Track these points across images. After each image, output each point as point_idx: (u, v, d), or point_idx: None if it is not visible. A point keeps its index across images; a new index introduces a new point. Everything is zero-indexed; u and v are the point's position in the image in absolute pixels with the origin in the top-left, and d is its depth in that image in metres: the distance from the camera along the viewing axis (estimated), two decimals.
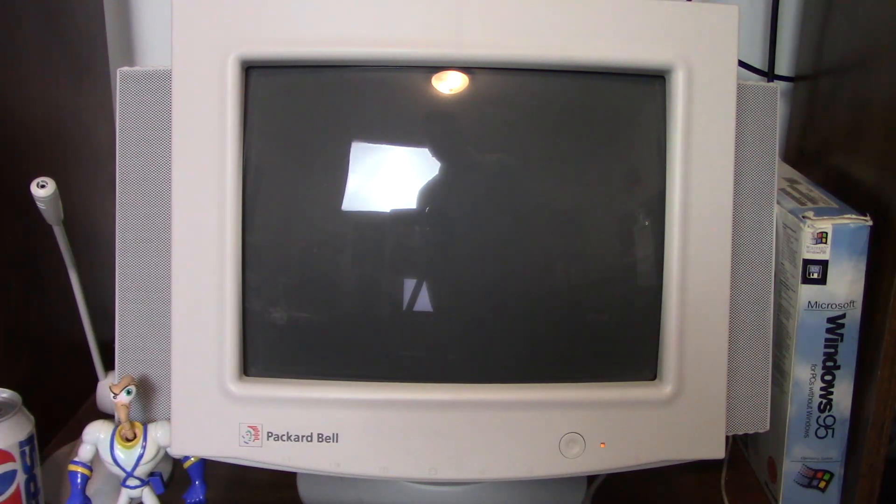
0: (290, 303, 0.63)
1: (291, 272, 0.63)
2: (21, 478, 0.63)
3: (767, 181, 0.64)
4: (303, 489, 0.74)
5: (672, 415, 0.63)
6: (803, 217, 0.66)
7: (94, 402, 0.80)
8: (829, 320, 0.67)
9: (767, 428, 0.67)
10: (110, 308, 0.67)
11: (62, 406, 0.84)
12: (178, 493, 0.68)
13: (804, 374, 0.68)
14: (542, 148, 0.63)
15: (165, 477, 0.74)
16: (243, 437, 0.62)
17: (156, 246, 0.62)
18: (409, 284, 0.63)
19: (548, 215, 0.63)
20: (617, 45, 0.60)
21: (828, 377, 0.68)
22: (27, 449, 0.63)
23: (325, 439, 0.62)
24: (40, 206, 0.65)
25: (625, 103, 0.63)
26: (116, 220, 0.63)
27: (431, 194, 0.62)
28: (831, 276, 0.66)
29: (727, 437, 0.65)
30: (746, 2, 0.94)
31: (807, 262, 0.66)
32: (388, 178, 0.62)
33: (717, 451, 0.64)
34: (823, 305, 0.67)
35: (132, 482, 0.64)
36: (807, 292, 0.67)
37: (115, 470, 0.64)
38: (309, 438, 0.62)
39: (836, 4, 0.79)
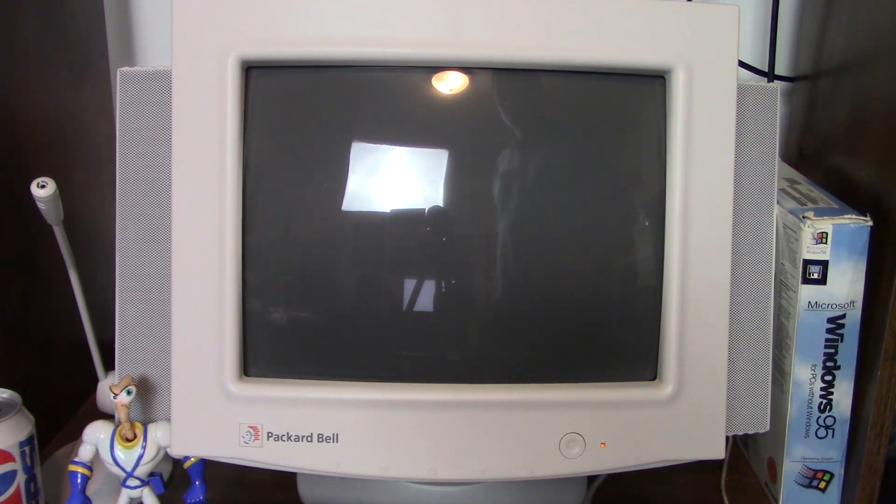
0: (290, 303, 0.63)
1: (291, 272, 0.63)
2: (21, 478, 0.63)
3: (767, 181, 0.64)
4: (303, 489, 0.74)
5: (672, 415, 0.63)
6: (803, 217, 0.66)
7: (94, 402, 0.80)
8: (829, 320, 0.67)
9: (767, 428, 0.67)
10: (110, 308, 0.67)
11: (62, 406, 0.84)
12: (178, 493, 0.68)
13: (804, 374, 0.68)
14: (542, 148, 0.63)
15: (165, 477, 0.74)
16: (243, 437, 0.62)
17: (156, 246, 0.62)
18: (409, 284, 0.63)
19: (548, 215, 0.63)
20: (617, 45, 0.60)
21: (828, 377, 0.68)
22: (27, 449, 0.63)
23: (325, 439, 0.62)
24: (40, 206, 0.65)
25: (625, 103, 0.63)
26: (116, 220, 0.63)
27: (431, 194, 0.62)
28: (831, 277, 0.66)
29: (727, 437, 0.65)
30: (746, 2, 0.94)
31: (807, 263, 0.66)
32: (387, 179, 0.62)
33: (717, 451, 0.64)
34: (823, 305, 0.67)
35: (132, 482, 0.64)
36: (807, 292, 0.67)
37: (115, 470, 0.64)
38: (309, 438, 0.62)
39: (836, 4, 0.79)
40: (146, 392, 0.65)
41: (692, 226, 0.62)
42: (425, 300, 0.63)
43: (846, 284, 0.66)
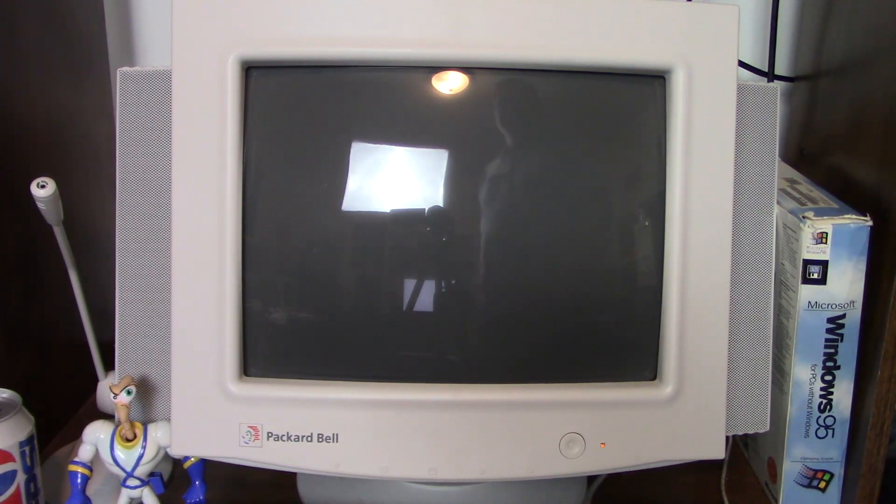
0: (290, 303, 0.63)
1: (291, 272, 0.63)
2: (21, 478, 0.63)
3: (767, 181, 0.64)
4: (303, 489, 0.74)
5: (672, 415, 0.63)
6: (803, 217, 0.66)
7: (94, 402, 0.80)
8: (829, 320, 0.67)
9: (767, 428, 0.67)
10: (110, 308, 0.67)
11: (62, 406, 0.84)
12: (178, 493, 0.68)
13: (804, 374, 0.68)
14: (542, 148, 0.63)
15: (165, 477, 0.74)
16: (243, 437, 0.62)
17: (156, 246, 0.62)
18: (409, 284, 0.63)
19: (548, 215, 0.63)
20: (617, 45, 0.60)
21: (828, 377, 0.68)
22: (27, 449, 0.63)
23: (325, 439, 0.62)
24: (40, 206, 0.65)
25: (625, 103, 0.63)
26: (116, 220, 0.63)
27: (431, 194, 0.62)
28: (831, 277, 0.66)
29: (727, 437, 0.65)
30: (746, 2, 0.94)
31: (807, 262, 0.66)
32: (387, 179, 0.62)
33: (717, 451, 0.64)
34: (823, 305, 0.67)
35: (132, 482, 0.65)
36: (807, 292, 0.66)
37: (115, 470, 0.64)
38: (309, 438, 0.62)
39: (836, 4, 0.79)
40: (146, 392, 0.65)
41: (692, 226, 0.62)
42: (425, 300, 0.63)
43: (846, 284, 0.66)
